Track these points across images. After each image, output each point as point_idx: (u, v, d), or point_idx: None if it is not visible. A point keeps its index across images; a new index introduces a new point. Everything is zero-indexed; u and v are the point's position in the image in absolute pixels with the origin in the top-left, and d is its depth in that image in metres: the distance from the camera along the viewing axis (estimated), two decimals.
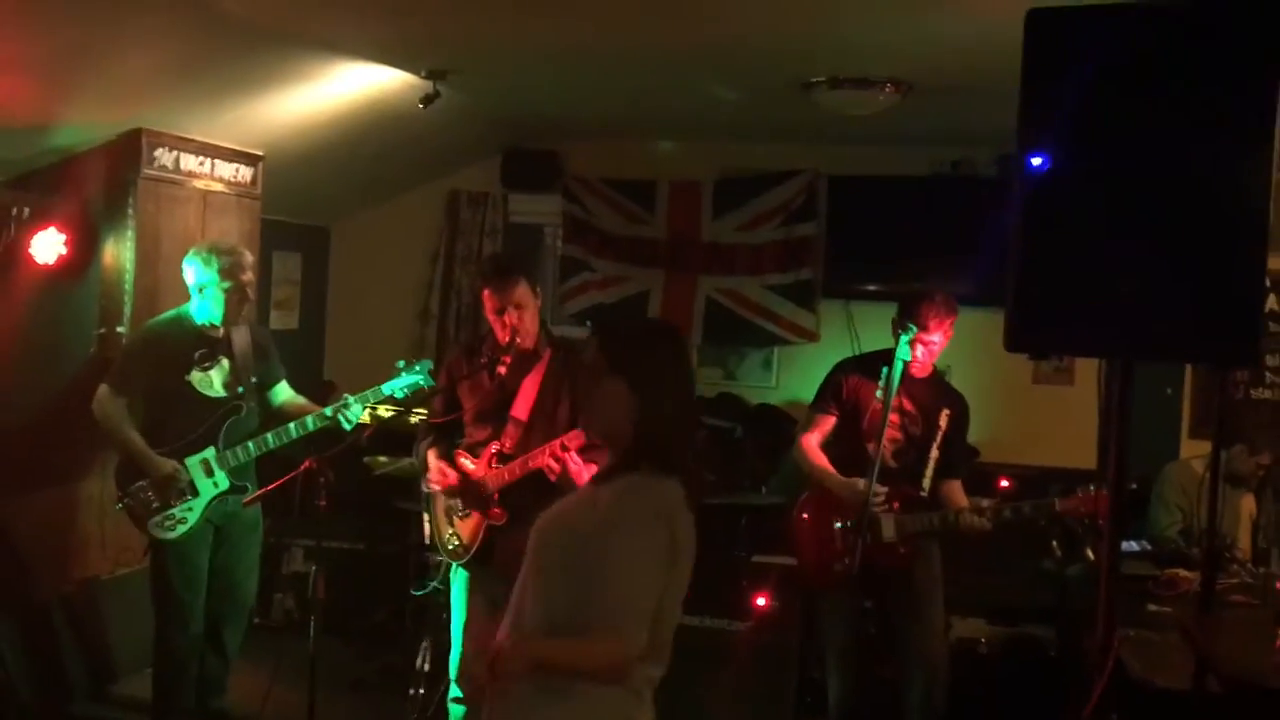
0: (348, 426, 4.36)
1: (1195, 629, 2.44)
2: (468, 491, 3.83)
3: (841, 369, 4.28)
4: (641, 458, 2.29)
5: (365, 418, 4.68)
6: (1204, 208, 2.20)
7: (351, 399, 4.38)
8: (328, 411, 4.39)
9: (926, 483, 4.09)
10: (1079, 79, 2.25)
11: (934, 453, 4.09)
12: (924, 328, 4.00)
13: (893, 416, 4.08)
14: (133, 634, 5.01)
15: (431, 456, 3.93)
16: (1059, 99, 2.26)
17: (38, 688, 4.73)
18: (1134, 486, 5.55)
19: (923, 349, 4.04)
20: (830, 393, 4.23)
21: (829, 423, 4.21)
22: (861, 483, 3.98)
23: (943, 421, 4.10)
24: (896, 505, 4.07)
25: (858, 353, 6.30)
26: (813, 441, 4.21)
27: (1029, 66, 2.30)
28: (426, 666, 5.00)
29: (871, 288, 6.49)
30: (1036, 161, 2.28)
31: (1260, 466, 5.08)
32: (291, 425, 4.42)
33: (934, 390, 4.19)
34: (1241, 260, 2.19)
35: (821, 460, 4.17)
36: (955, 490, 4.21)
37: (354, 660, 5.44)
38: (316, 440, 4.46)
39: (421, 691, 4.94)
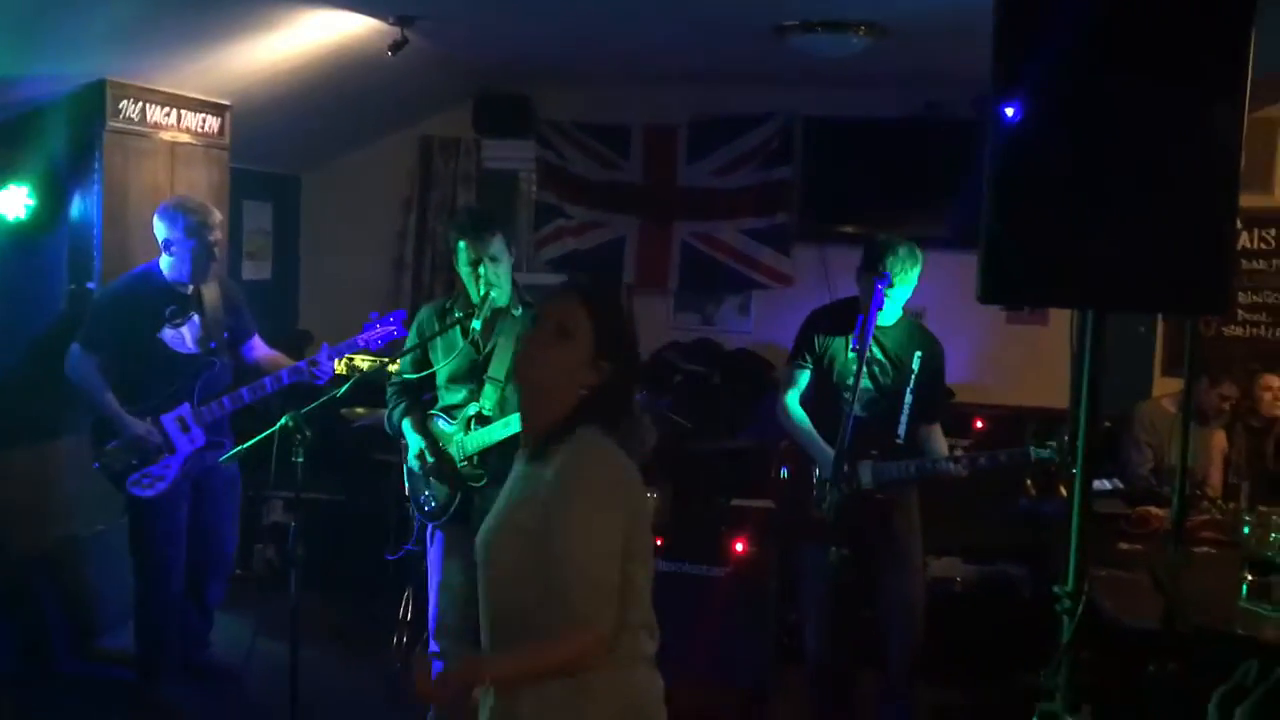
0: (320, 382, 4.34)
1: (1164, 575, 2.48)
2: (444, 459, 3.81)
3: (812, 322, 4.27)
4: (586, 420, 2.22)
5: (341, 368, 4.66)
6: (1176, 157, 2.21)
7: (323, 356, 4.33)
8: (301, 366, 4.37)
9: (902, 430, 4.10)
10: (1052, 28, 2.23)
11: (908, 398, 4.10)
12: (889, 276, 3.98)
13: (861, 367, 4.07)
14: (114, 589, 5.01)
15: (409, 429, 3.89)
16: (1032, 49, 2.24)
17: (20, 644, 4.74)
18: (1107, 424, 5.62)
19: (886, 296, 4.02)
20: (805, 346, 4.22)
21: (805, 377, 4.21)
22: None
23: (914, 365, 4.11)
24: (875, 452, 4.08)
25: (831, 298, 6.38)
26: (794, 401, 4.20)
27: (1002, 16, 2.28)
28: (409, 616, 5.05)
29: (847, 231, 6.48)
30: (1009, 112, 2.27)
31: (1224, 399, 5.13)
32: (266, 379, 4.41)
33: (904, 335, 4.17)
34: (1212, 210, 2.20)
35: (805, 424, 4.14)
36: (935, 435, 4.22)
37: (336, 611, 5.48)
38: (293, 395, 4.45)
39: (404, 640, 4.99)
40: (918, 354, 4.10)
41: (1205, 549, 4.16)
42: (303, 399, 4.23)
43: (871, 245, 4.09)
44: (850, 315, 4.09)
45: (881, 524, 4.13)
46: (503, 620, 2.25)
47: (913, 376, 4.09)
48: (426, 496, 3.90)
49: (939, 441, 4.22)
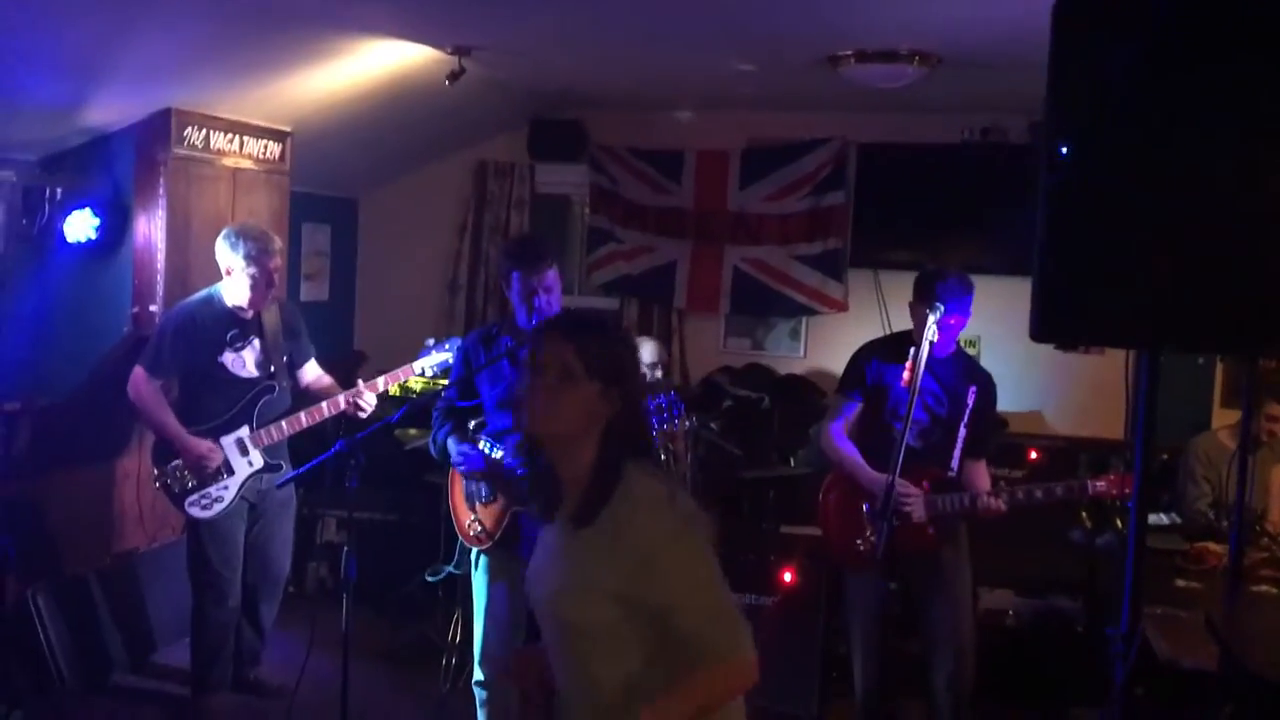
0: (362, 415, 4.41)
1: (1222, 622, 2.45)
2: (496, 477, 3.83)
3: (864, 353, 4.26)
4: (619, 453, 2.17)
5: (395, 390, 4.74)
6: (1234, 197, 2.18)
7: (364, 387, 4.42)
8: (341, 401, 4.45)
9: (955, 462, 4.08)
10: (1109, 67, 2.22)
11: (961, 431, 4.08)
12: (944, 307, 3.97)
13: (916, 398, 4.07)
14: (171, 606, 5.11)
15: (455, 444, 3.92)
16: (1088, 87, 2.23)
17: (78, 659, 4.84)
18: (1165, 457, 5.54)
19: (944, 332, 4.00)
20: (855, 377, 4.22)
21: (854, 409, 4.20)
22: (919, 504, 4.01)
23: (970, 399, 4.09)
24: (927, 485, 4.06)
25: (885, 323, 6.38)
26: (839, 430, 4.20)
27: (1057, 54, 2.26)
28: (458, 638, 5.08)
29: (900, 257, 6.46)
30: (1064, 150, 2.26)
31: (1271, 419, 5.01)
32: (325, 404, 4.48)
33: (959, 368, 4.15)
34: (1271, 248, 2.17)
35: (850, 451, 4.14)
36: (979, 471, 4.19)
37: (386, 631, 5.53)
38: (348, 419, 4.52)
39: (453, 662, 5.02)
40: (973, 388, 4.09)
41: (1265, 588, 4.08)
42: (358, 423, 4.29)
43: (923, 276, 4.08)
44: (903, 347, 4.07)
45: (930, 557, 4.10)
46: (596, 683, 2.17)
47: (967, 410, 4.07)
48: (472, 520, 3.92)
49: (983, 478, 4.19)
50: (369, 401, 4.46)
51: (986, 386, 4.16)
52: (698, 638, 2.07)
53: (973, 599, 4.44)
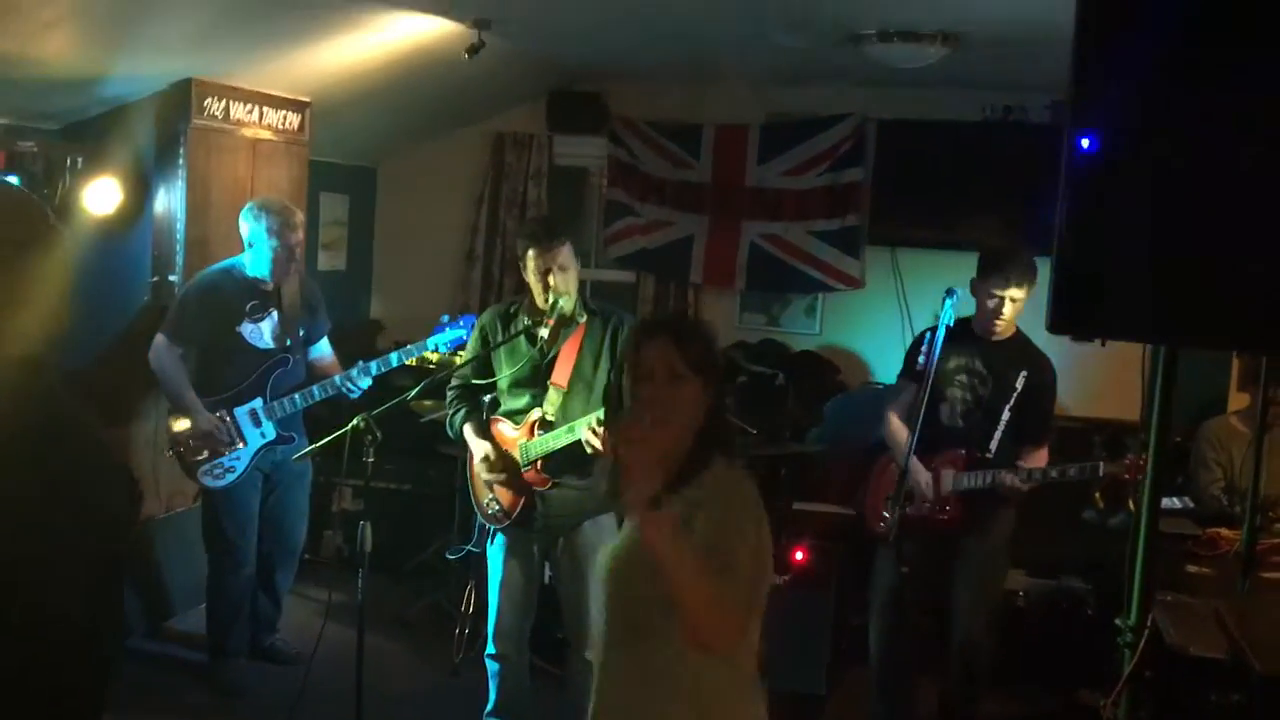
0: (353, 396, 4.44)
1: (1231, 616, 2.46)
2: (509, 465, 3.86)
3: (921, 338, 4.26)
4: (712, 452, 2.25)
5: (413, 363, 4.77)
6: (1257, 193, 2.17)
7: (355, 373, 4.44)
8: (336, 380, 4.48)
9: (994, 445, 4.09)
10: (1133, 59, 2.21)
11: (1005, 414, 4.09)
12: (1015, 284, 3.97)
13: (961, 377, 4.11)
14: (187, 572, 5.17)
15: (472, 435, 3.94)
16: (1112, 80, 2.22)
17: None
18: (1178, 439, 5.52)
19: (1010, 305, 4.02)
20: (909, 362, 4.25)
21: (912, 389, 4.21)
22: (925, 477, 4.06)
23: (1018, 383, 4.08)
24: (962, 465, 4.09)
25: (902, 302, 6.39)
26: (898, 417, 4.23)
27: (1080, 44, 2.25)
28: (471, 607, 5.13)
29: (919, 235, 6.43)
30: (1085, 144, 2.25)
31: (1271, 401, 4.97)
32: (337, 378, 4.52)
33: (1013, 352, 4.15)
34: None
35: (901, 436, 4.17)
36: (1036, 460, 4.16)
37: (401, 600, 5.59)
38: (366, 394, 4.55)
39: (466, 631, 5.08)
40: (1024, 373, 4.08)
41: (1277, 574, 4.08)
42: (375, 395, 4.32)
43: (993, 254, 4.11)
44: (962, 331, 4.10)
45: (951, 538, 4.13)
46: (630, 632, 2.25)
47: (1014, 394, 4.07)
48: (490, 499, 3.95)
49: (1038, 464, 4.17)
50: (361, 385, 4.49)
51: (1039, 372, 4.14)
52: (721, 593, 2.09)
53: (1000, 591, 4.45)
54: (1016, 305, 4.05)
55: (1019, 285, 4.00)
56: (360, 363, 4.51)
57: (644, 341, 2.30)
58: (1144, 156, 2.23)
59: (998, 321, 4.08)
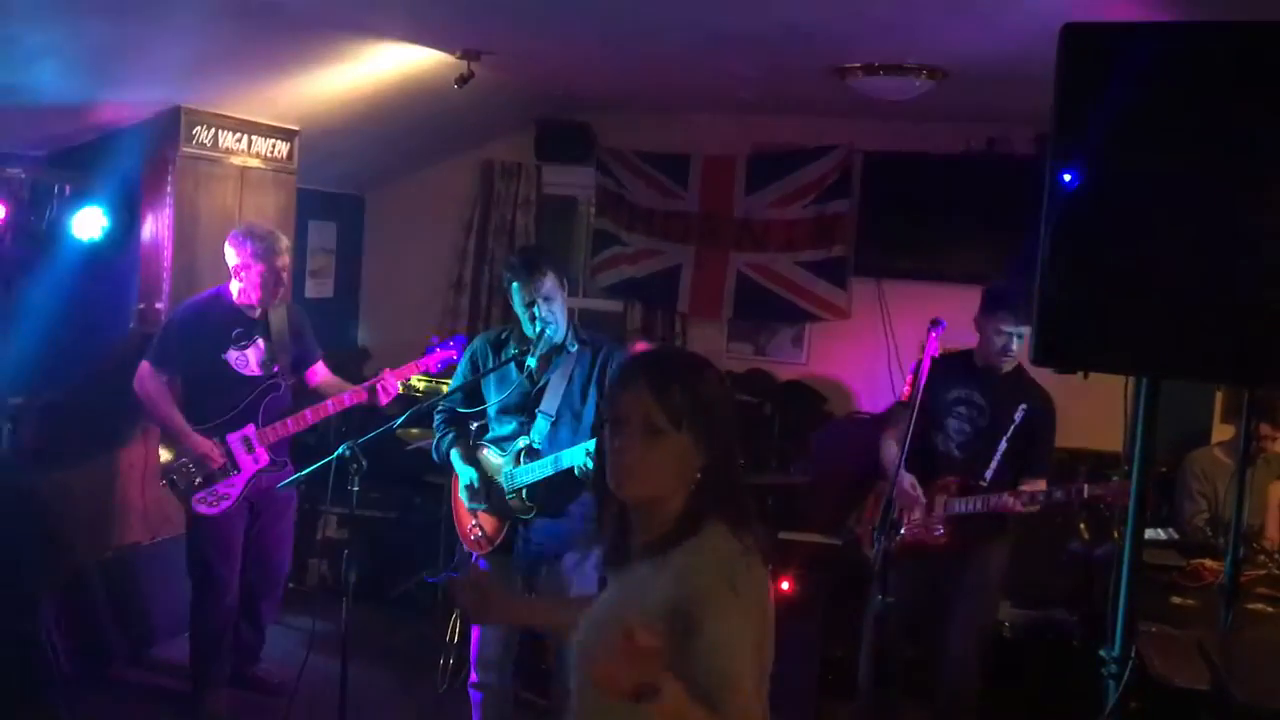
0: (383, 403, 4.46)
1: (1215, 648, 2.47)
2: (494, 492, 3.87)
3: (917, 366, 4.29)
4: (705, 516, 1.93)
5: (399, 388, 4.77)
6: (1235, 228, 2.20)
7: (388, 377, 4.47)
8: (364, 388, 4.49)
9: (989, 474, 4.12)
10: (1115, 97, 2.24)
11: (1002, 445, 4.12)
12: (1022, 320, 4.00)
13: (960, 409, 4.17)
14: (171, 600, 5.13)
15: (459, 461, 3.95)
16: (1094, 116, 2.25)
17: (77, 651, 4.86)
18: (1163, 470, 5.55)
19: (1018, 341, 4.07)
20: (906, 388, 4.28)
21: (907, 416, 4.22)
22: (908, 479, 4.06)
23: (1017, 416, 4.12)
24: (954, 489, 4.13)
25: (887, 332, 6.42)
26: (896, 442, 4.21)
27: (1063, 82, 2.29)
28: (455, 638, 5.11)
29: (904, 266, 6.48)
30: (1067, 178, 2.28)
31: (1262, 440, 5.01)
32: (329, 402, 4.52)
33: (1012, 385, 4.19)
34: (1269, 281, 2.19)
35: (891, 461, 4.19)
36: (1035, 487, 4.17)
37: (385, 629, 5.56)
38: (352, 422, 4.55)
39: (450, 663, 5.05)
40: (1022, 406, 4.12)
41: (1260, 605, 4.10)
42: (361, 424, 4.32)
43: (987, 289, 4.19)
44: (962, 363, 4.14)
45: (948, 572, 4.15)
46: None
47: (1012, 427, 4.11)
48: (473, 525, 3.95)
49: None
50: (391, 389, 4.49)
51: (1038, 406, 4.18)
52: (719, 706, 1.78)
53: (991, 624, 4.48)
54: (1024, 341, 4.08)
55: (1029, 320, 3.99)
56: (387, 371, 4.52)
57: (623, 385, 1.97)
58: (1125, 191, 2.26)
59: (1005, 358, 4.14)
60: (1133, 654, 2.40)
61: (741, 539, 1.93)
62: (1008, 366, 4.19)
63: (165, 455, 4.48)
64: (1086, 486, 4.13)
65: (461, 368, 4.05)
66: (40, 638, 4.45)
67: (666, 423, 1.91)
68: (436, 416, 4.06)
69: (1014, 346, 4.10)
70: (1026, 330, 4.02)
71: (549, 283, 3.74)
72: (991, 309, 4.14)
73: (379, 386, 4.48)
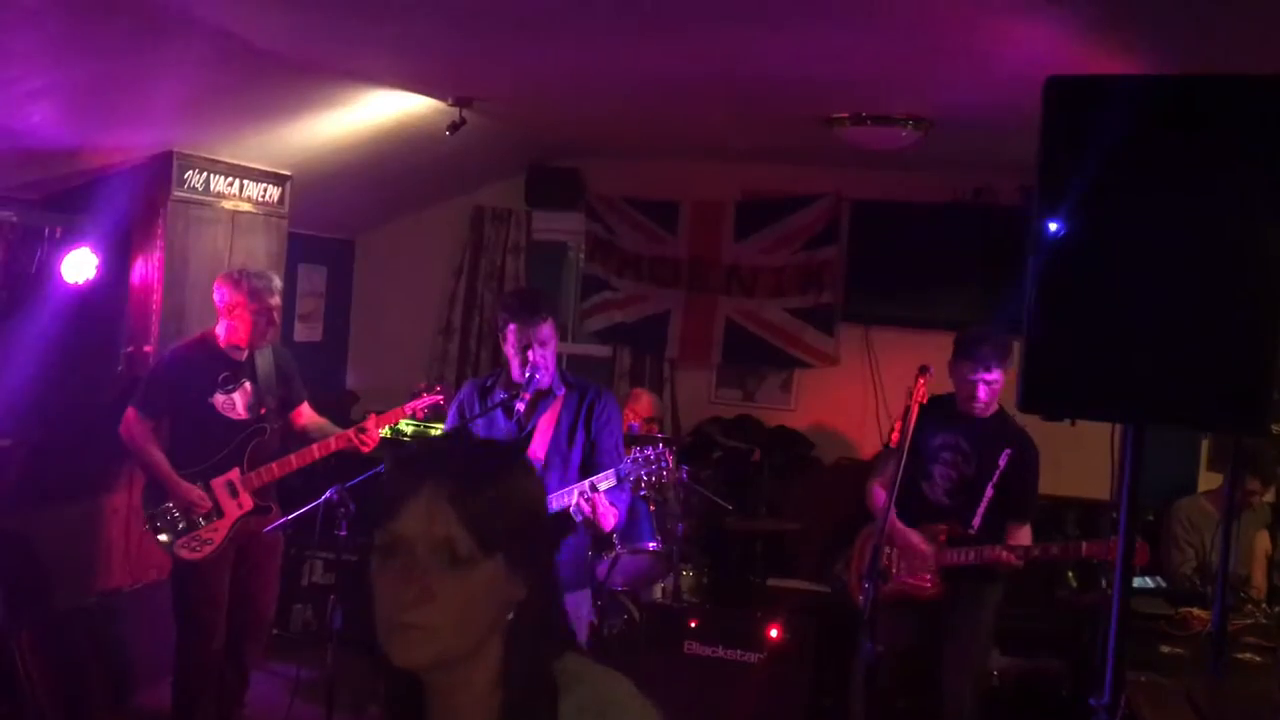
0: (366, 450, 4.43)
1: (1203, 697, 2.47)
2: None
3: (906, 412, 4.31)
4: (541, 654, 1.42)
5: (386, 433, 4.76)
6: (1218, 277, 2.22)
7: (370, 423, 4.45)
8: (349, 433, 4.47)
9: (977, 520, 4.13)
10: (1098, 147, 2.27)
11: (989, 491, 4.13)
12: (985, 368, 4.06)
13: (946, 454, 4.18)
14: (153, 645, 5.07)
15: None
16: (1077, 167, 2.28)
17: (58, 697, 4.80)
18: (1150, 518, 5.56)
19: (984, 388, 4.10)
20: (893, 435, 4.29)
21: (894, 463, 4.24)
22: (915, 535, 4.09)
23: (1001, 461, 4.14)
24: (943, 538, 4.13)
25: (875, 378, 6.44)
26: (883, 490, 4.24)
27: (1047, 133, 2.32)
28: None
29: (891, 313, 6.52)
30: (1053, 228, 2.31)
31: (1249, 493, 5.04)
32: (315, 446, 4.50)
33: (995, 430, 4.21)
34: (1255, 328, 2.21)
35: (879, 507, 4.20)
36: (1019, 536, 4.20)
37: (370, 675, 5.48)
38: (339, 467, 4.53)
39: None
40: (1006, 450, 4.14)
41: (1248, 655, 4.09)
42: (348, 468, 4.30)
43: (960, 335, 4.21)
44: (945, 408, 4.16)
45: (940, 619, 4.15)
46: None
47: (997, 472, 4.12)
48: None
49: (1022, 539, 4.21)
50: (374, 436, 4.47)
51: (1022, 450, 4.20)
52: None
53: (985, 671, 4.48)
54: (992, 387, 4.14)
55: (989, 369, 4.08)
56: (373, 416, 4.51)
57: (398, 493, 1.38)
58: (1110, 239, 2.28)
59: (975, 404, 4.17)
60: (1122, 703, 2.39)
61: (615, 677, 1.43)
62: (984, 412, 4.20)
63: (150, 501, 4.45)
64: (1084, 544, 4.15)
65: (451, 416, 4.04)
66: (19, 677, 4.40)
67: (474, 545, 1.35)
68: None
69: (980, 393, 4.13)
70: (991, 376, 4.08)
71: (548, 328, 3.72)
72: (957, 356, 4.19)
73: (361, 434, 4.46)
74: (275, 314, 4.53)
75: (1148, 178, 2.25)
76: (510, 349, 3.77)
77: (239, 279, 4.45)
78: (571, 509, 3.58)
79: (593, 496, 3.54)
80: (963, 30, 3.43)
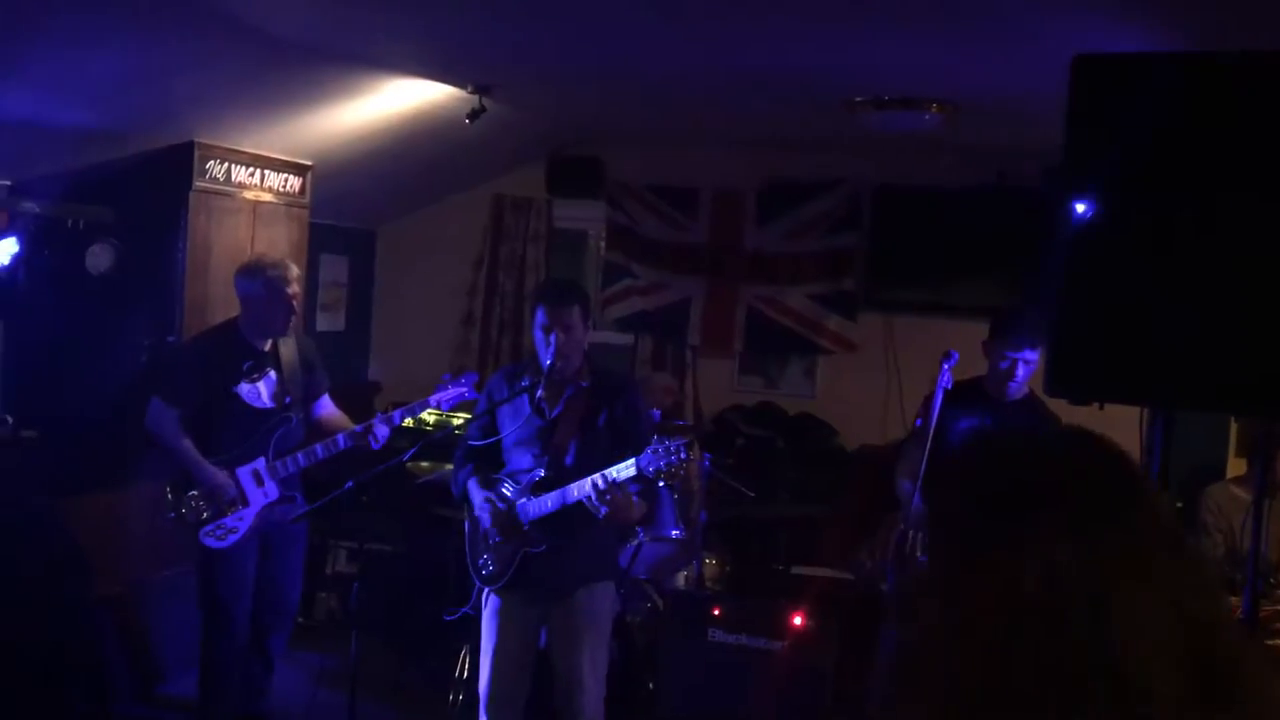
0: (375, 448, 4.41)
1: None
2: (507, 520, 3.84)
3: (928, 398, 4.22)
4: None
5: (408, 423, 4.75)
6: (1248, 258, 2.19)
7: (377, 422, 4.42)
8: (358, 430, 4.45)
9: None
10: (1126, 126, 2.24)
11: None
12: (1028, 345, 3.95)
13: None
14: (179, 635, 5.10)
15: (475, 488, 3.93)
16: (1105, 146, 2.25)
17: (85, 686, 4.83)
18: (1179, 505, 5.50)
19: (1023, 368, 4.01)
20: (917, 421, 4.25)
21: (917, 451, 4.19)
22: None
23: None
24: None
25: (896, 364, 6.41)
26: (908, 479, 4.19)
27: (1075, 113, 2.29)
28: (465, 674, 5.07)
29: (913, 299, 6.47)
30: (1080, 208, 2.28)
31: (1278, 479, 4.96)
32: (340, 436, 4.49)
33: (1025, 412, 4.11)
34: None
35: (905, 495, 4.16)
36: None
37: (394, 664, 5.52)
38: (361, 457, 4.52)
39: (460, 698, 5.00)
40: None
41: (1279, 641, 4.05)
42: (371, 459, 4.30)
43: (1004, 315, 4.11)
44: (972, 393, 4.10)
45: None
46: None
47: None
48: (485, 560, 3.92)
49: None
50: (381, 435, 4.46)
51: None
52: None
53: None
54: (1030, 367, 4.01)
55: (1032, 346, 3.97)
56: (380, 415, 4.49)
57: None
58: (1137, 220, 2.25)
59: (1010, 385, 4.06)
60: None
61: None
62: (1017, 394, 4.14)
63: (176, 489, 4.47)
64: None
65: (480, 403, 4.04)
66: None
67: None
68: (457, 452, 4.05)
69: (1019, 372, 4.03)
70: (1030, 356, 3.99)
71: (574, 313, 3.71)
72: (994, 335, 4.09)
73: (369, 432, 4.45)
74: (294, 302, 4.53)
75: (1178, 158, 2.22)
76: (538, 332, 3.77)
77: (256, 270, 4.45)
78: (586, 500, 3.56)
79: (613, 496, 3.52)
80: (988, 12, 3.39)
